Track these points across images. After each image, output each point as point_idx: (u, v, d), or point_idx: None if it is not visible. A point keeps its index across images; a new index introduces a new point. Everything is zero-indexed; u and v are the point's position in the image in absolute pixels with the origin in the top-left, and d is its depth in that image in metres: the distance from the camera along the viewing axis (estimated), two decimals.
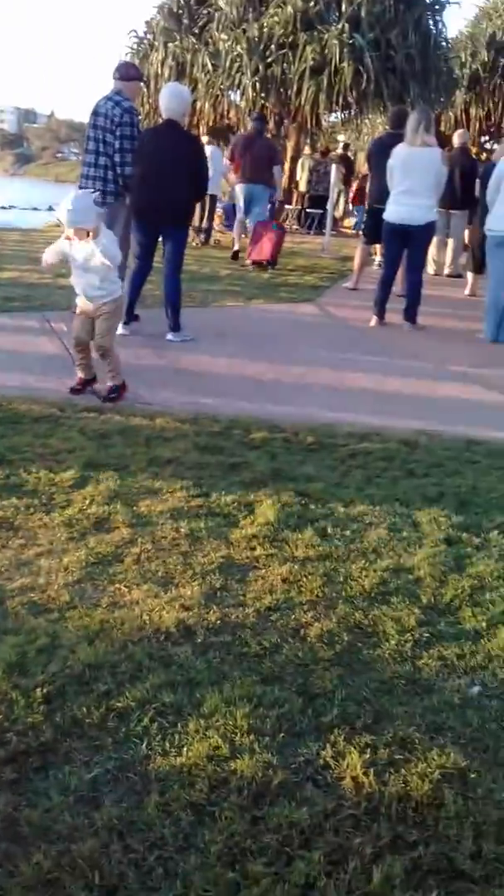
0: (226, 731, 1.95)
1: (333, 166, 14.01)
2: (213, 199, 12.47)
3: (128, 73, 6.40)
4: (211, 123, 15.07)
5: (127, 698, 2.04)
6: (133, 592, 2.55)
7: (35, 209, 23.72)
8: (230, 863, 1.58)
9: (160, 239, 6.11)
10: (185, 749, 1.88)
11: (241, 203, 11.04)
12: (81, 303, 4.52)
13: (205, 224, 12.56)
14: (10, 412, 4.10)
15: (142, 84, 6.61)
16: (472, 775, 1.86)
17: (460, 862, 1.60)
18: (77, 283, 4.46)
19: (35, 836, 1.62)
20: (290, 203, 16.72)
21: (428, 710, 2.10)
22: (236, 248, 11.08)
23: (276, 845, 1.63)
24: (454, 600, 2.64)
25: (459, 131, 11.61)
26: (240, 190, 10.94)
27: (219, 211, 13.57)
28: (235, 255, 10.89)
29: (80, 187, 5.70)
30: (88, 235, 4.23)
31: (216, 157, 11.71)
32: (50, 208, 23.87)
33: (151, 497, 3.27)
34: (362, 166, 17.33)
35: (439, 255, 10.92)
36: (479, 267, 9.02)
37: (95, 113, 6.21)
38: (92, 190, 5.15)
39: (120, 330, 5.41)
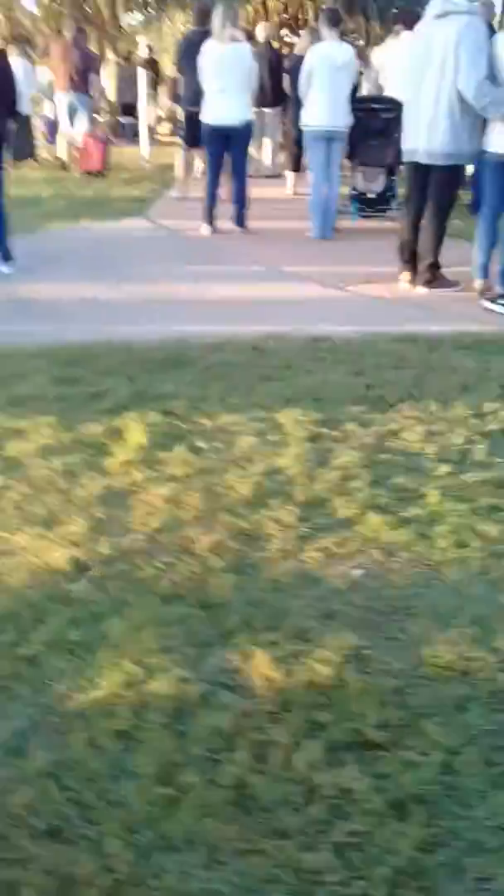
0: (138, 656, 1.94)
1: (140, 71, 13.26)
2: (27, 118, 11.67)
3: None
4: (7, 34, 13.79)
5: (34, 644, 1.99)
6: (18, 537, 2.45)
7: None
8: (164, 780, 1.60)
9: None
10: (101, 681, 1.86)
11: (63, 114, 10.54)
12: None
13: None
14: None
15: None
16: (367, 652, 1.96)
17: (370, 733, 1.70)
18: None
19: None
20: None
21: (318, 599, 2.18)
22: (64, 159, 10.65)
23: (202, 754, 1.66)
24: (325, 493, 2.71)
25: (263, 24, 11.21)
26: (60, 100, 10.41)
27: (42, 128, 12.69)
28: (65, 167, 10.64)
29: None
30: None
31: (28, 73, 10.98)
32: None
33: (17, 438, 3.12)
34: (167, 68, 16.50)
35: (257, 155, 10.72)
36: (297, 164, 8.95)
37: None
38: None
39: None
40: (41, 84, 11.81)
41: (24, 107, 10.94)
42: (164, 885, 1.39)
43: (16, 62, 11.34)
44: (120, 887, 1.39)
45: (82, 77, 10.37)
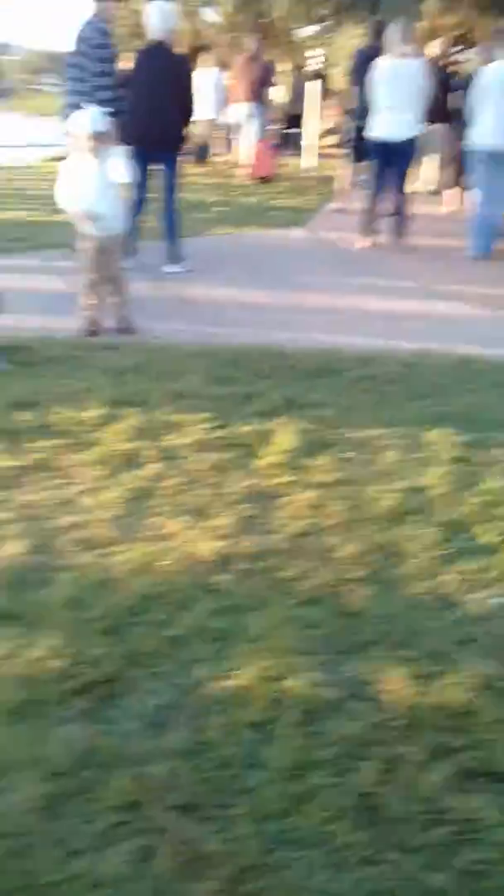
0: (274, 653, 1.98)
1: (310, 83, 13.37)
2: (212, 122, 12.19)
3: None
4: (190, 44, 14.28)
5: (179, 627, 2.07)
6: (171, 525, 2.56)
7: (17, 146, 22.92)
8: (294, 776, 1.63)
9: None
10: (238, 672, 1.92)
11: (239, 122, 11.11)
12: (98, 235, 4.27)
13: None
14: (30, 354, 4.02)
15: (115, 3, 6.20)
16: (503, 683, 1.91)
17: (502, 764, 1.66)
18: (91, 214, 4.20)
19: (113, 762, 1.67)
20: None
21: (455, 623, 2.14)
22: (238, 165, 11.36)
23: (332, 758, 1.68)
24: (468, 517, 2.65)
25: (436, 41, 11.04)
26: (237, 108, 10.95)
27: (220, 132, 13.16)
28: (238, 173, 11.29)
29: (65, 113, 5.41)
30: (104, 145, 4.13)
31: (218, 82, 11.53)
32: (30, 144, 23.08)
33: (174, 431, 3.24)
34: (336, 82, 16.52)
35: (420, 171, 10.56)
36: (459, 182, 8.75)
37: (78, 38, 5.87)
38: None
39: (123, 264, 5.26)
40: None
41: (214, 113, 11.64)
42: (287, 879, 1.42)
43: (209, 72, 11.91)
44: (245, 872, 1.43)
45: (259, 87, 10.70)
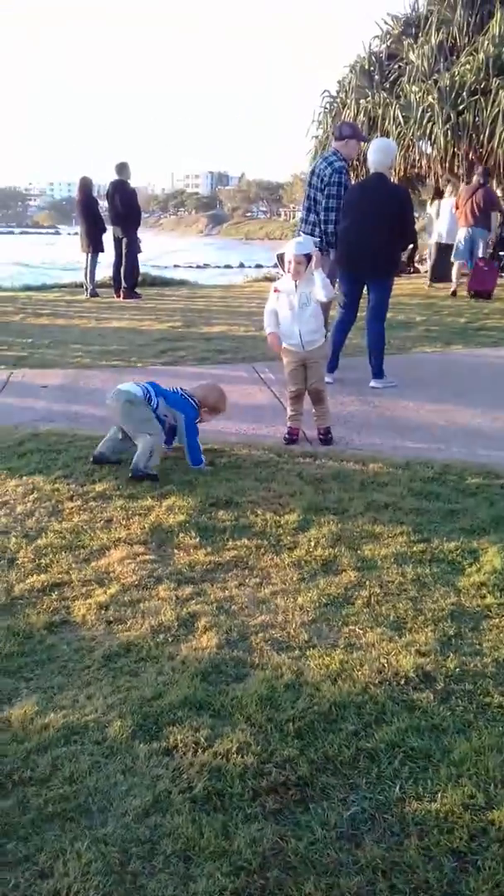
0: (479, 780, 1.92)
1: None
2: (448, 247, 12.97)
3: (340, 132, 6.62)
4: (402, 173, 15.18)
5: (375, 739, 2.06)
6: (367, 635, 2.58)
7: (228, 266, 25.21)
8: None
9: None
10: (439, 795, 1.87)
11: (461, 245, 11.84)
12: (294, 350, 4.62)
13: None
14: (233, 458, 4.31)
15: (358, 141, 6.76)
16: None
17: None
18: (291, 331, 4.58)
19: (303, 866, 1.67)
20: None
21: None
22: (454, 287, 11.86)
23: None
24: None
25: None
26: (461, 234, 11.78)
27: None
28: (454, 293, 11.82)
29: None
30: (308, 264, 4.42)
31: (451, 210, 12.45)
32: (241, 265, 25.36)
33: (373, 541, 3.30)
34: None
35: None
36: None
37: (312, 172, 6.52)
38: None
39: (325, 378, 5.54)
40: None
41: (445, 237, 12.50)
42: None
43: (448, 200, 12.83)
44: None
45: (482, 212, 11.32)
